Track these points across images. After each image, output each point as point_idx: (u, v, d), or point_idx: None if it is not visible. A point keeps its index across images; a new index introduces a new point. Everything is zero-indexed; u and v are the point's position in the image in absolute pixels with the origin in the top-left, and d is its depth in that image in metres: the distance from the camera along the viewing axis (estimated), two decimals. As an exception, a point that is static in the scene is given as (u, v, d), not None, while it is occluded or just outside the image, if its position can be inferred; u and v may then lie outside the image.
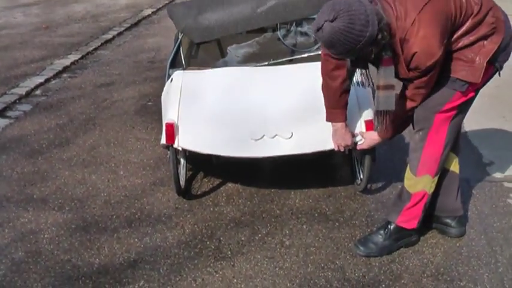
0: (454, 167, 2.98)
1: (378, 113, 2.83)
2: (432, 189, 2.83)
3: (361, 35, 2.31)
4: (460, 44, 2.57)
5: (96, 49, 6.46)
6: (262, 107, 3.15)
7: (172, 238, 3.00)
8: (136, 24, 7.67)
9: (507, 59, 2.71)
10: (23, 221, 3.18)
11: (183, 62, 3.66)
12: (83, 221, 3.17)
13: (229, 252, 2.88)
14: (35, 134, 4.28)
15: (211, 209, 3.27)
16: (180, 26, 3.68)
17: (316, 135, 3.08)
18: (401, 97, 2.67)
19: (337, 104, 2.91)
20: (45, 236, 3.04)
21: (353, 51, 2.39)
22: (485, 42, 2.57)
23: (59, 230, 3.09)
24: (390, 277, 2.70)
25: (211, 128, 3.11)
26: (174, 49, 3.79)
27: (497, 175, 3.59)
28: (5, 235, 3.05)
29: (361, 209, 3.26)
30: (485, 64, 2.56)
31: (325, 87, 2.89)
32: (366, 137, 3.03)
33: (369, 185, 3.36)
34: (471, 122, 4.33)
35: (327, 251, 2.89)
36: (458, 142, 2.97)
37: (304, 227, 3.08)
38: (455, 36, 2.55)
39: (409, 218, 2.86)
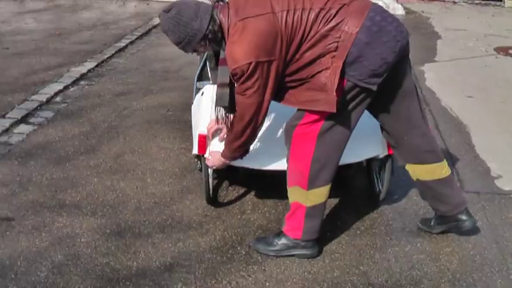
0: (438, 174, 3.11)
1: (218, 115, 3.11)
2: (312, 203, 2.95)
3: (188, 26, 2.72)
4: (306, 60, 2.68)
5: (110, 57, 6.62)
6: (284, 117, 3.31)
7: (205, 244, 3.18)
8: (147, 33, 7.84)
9: (371, 75, 2.69)
10: (58, 225, 3.34)
11: (209, 76, 3.85)
12: (117, 226, 3.34)
13: (259, 258, 3.06)
14: (59, 141, 4.44)
15: (239, 216, 3.45)
16: None
17: (350, 147, 3.24)
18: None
19: None
20: (82, 240, 3.20)
21: (186, 43, 2.78)
22: (332, 59, 2.64)
23: (95, 235, 3.25)
24: (411, 282, 2.90)
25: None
26: (201, 63, 3.98)
27: (506, 188, 3.79)
28: (42, 239, 3.21)
29: (380, 218, 3.46)
30: (334, 92, 2.63)
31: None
32: (211, 156, 3.16)
33: (386, 196, 3.55)
34: (479, 137, 4.58)
35: (350, 257, 3.09)
36: (432, 150, 3.08)
37: (328, 234, 3.26)
38: (299, 52, 2.68)
39: (291, 227, 3.02)
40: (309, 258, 3.05)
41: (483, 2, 11.09)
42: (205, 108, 3.41)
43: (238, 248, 3.15)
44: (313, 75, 2.71)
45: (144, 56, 6.83)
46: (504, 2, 10.92)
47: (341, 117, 2.80)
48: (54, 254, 3.08)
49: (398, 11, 9.89)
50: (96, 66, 6.26)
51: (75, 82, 5.75)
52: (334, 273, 2.95)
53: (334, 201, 3.59)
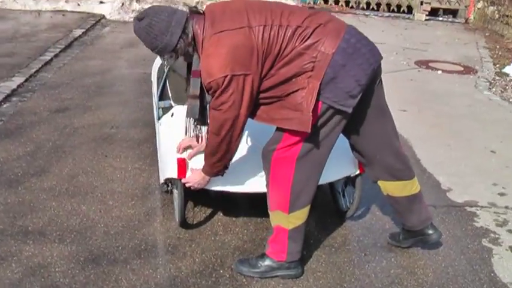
0: (408, 191, 3.22)
1: (195, 128, 3.09)
2: (294, 225, 2.96)
3: (158, 39, 2.74)
4: (281, 77, 2.69)
5: (37, 71, 6.33)
6: (260, 140, 3.32)
7: (186, 268, 3.12)
8: (69, 45, 7.55)
9: (346, 97, 2.73)
10: (27, 254, 3.16)
11: (170, 95, 3.79)
12: (90, 253, 3.20)
13: (245, 280, 3.04)
14: (5, 162, 4.19)
15: (212, 238, 3.41)
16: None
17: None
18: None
19: None
20: (57, 269, 3.04)
21: (157, 52, 2.82)
22: (308, 79, 2.66)
23: (69, 263, 3.10)
24: (394, 297, 3.00)
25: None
26: (162, 82, 3.90)
27: (459, 200, 4.01)
28: (13, 270, 3.02)
29: (350, 234, 3.55)
30: (310, 113, 2.66)
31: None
32: (192, 173, 3.12)
33: (344, 210, 3.66)
34: (421, 150, 4.80)
35: (332, 275, 3.14)
36: (404, 168, 3.16)
37: (305, 252, 3.29)
38: (275, 67, 2.69)
39: (275, 250, 3.03)
40: (293, 278, 3.07)
41: (393, 15, 11.65)
42: (179, 131, 3.35)
43: (221, 271, 3.11)
44: (288, 94, 2.72)
45: (72, 70, 6.58)
46: (414, 15, 11.54)
47: (319, 140, 2.82)
48: (30, 286, 2.90)
49: (315, 25, 10.15)
50: (25, 81, 5.96)
51: (6, 98, 5.44)
52: (321, 292, 3.00)
53: (304, 218, 3.63)
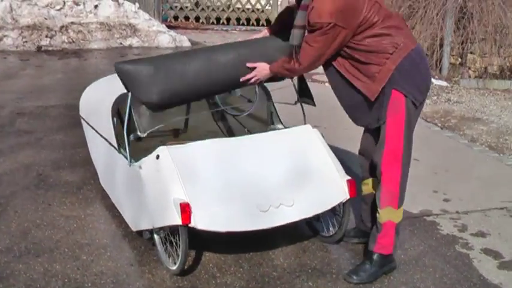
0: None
1: (292, 48, 3.21)
2: (399, 219, 3.33)
3: None
4: (365, 46, 3.07)
5: None
6: (261, 177, 3.26)
7: (207, 318, 2.95)
8: None
9: (419, 92, 3.16)
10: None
11: (137, 126, 3.56)
12: (93, 319, 2.90)
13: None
14: None
15: (213, 281, 3.25)
16: (142, 95, 3.38)
17: (314, 198, 3.31)
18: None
19: None
20: None
21: None
22: (386, 60, 3.06)
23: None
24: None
25: (222, 205, 3.11)
26: (127, 115, 3.62)
27: (414, 211, 4.20)
28: None
29: (341, 258, 3.58)
30: (379, 87, 3.09)
31: None
32: (259, 68, 3.35)
33: (326, 234, 3.70)
34: (355, 164, 4.96)
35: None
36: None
37: (310, 283, 3.28)
38: (363, 34, 3.07)
39: (384, 245, 3.31)
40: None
41: (250, 28, 11.97)
42: (170, 174, 3.14)
43: (243, 315, 2.99)
44: (365, 63, 3.10)
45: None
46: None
47: (410, 134, 3.21)
48: None
49: (184, 42, 10.12)
50: None
51: None
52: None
53: (289, 248, 3.62)
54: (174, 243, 3.28)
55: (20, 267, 3.27)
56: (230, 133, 4.87)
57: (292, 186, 3.30)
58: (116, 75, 4.80)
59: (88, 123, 4.31)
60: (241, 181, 3.20)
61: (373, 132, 3.40)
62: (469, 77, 9.00)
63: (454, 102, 7.72)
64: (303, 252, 3.60)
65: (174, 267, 3.23)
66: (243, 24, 12.07)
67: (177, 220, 3.02)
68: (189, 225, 3.03)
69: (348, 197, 3.43)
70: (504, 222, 4.17)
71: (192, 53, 3.65)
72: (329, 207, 3.38)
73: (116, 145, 3.70)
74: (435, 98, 7.82)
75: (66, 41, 9.40)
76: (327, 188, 3.37)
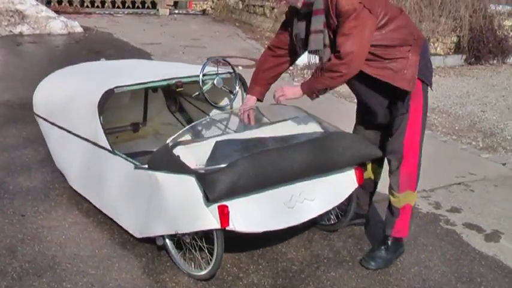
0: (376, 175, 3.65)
1: (309, 57, 3.22)
2: (414, 201, 3.47)
3: None
4: (388, 40, 3.07)
5: None
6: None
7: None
8: None
9: (430, 74, 3.30)
10: None
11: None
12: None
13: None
14: None
15: (240, 282, 3.15)
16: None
17: (330, 190, 3.30)
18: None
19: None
20: None
21: None
22: (408, 53, 3.10)
23: None
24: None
25: (254, 203, 2.98)
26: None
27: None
28: None
29: (347, 245, 3.62)
30: (415, 80, 3.13)
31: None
32: (283, 90, 3.28)
33: (327, 223, 3.73)
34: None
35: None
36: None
37: (333, 273, 3.29)
38: (385, 28, 3.07)
39: (401, 228, 3.43)
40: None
41: (139, 12, 11.53)
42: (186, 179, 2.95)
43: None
44: (392, 59, 3.08)
45: None
46: (158, 10, 11.59)
47: (426, 117, 3.30)
48: None
49: (76, 28, 9.53)
50: None
51: None
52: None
53: (295, 240, 3.60)
54: (195, 247, 3.13)
55: (28, 291, 2.94)
56: (190, 123, 4.71)
57: (312, 179, 3.26)
58: (73, 68, 4.47)
59: (53, 123, 3.93)
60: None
61: (376, 127, 3.46)
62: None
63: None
64: (309, 243, 3.60)
65: (203, 272, 3.09)
66: (128, 7, 11.58)
67: (215, 224, 2.87)
68: (227, 228, 2.89)
69: (357, 185, 3.47)
70: (468, 196, 4.46)
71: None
72: (344, 197, 3.39)
73: (108, 147, 3.42)
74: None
75: None
76: (340, 178, 3.37)
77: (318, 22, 3.08)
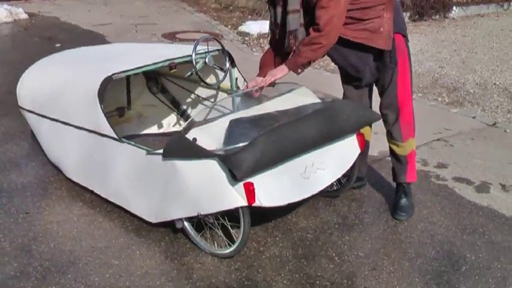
0: (368, 136, 3.80)
1: (289, 34, 3.31)
2: (415, 146, 3.69)
3: None
4: (362, 3, 3.21)
5: None
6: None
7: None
8: None
9: (405, 26, 3.52)
10: None
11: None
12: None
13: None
14: None
15: (263, 256, 3.22)
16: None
17: (338, 158, 3.38)
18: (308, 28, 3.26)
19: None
20: None
21: None
22: (383, 11, 3.25)
23: None
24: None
25: (274, 177, 3.03)
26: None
27: (376, 154, 4.51)
28: None
29: (351, 210, 3.75)
30: (390, 36, 3.28)
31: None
32: (271, 72, 3.45)
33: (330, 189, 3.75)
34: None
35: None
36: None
37: (347, 237, 3.41)
38: None
39: (412, 173, 3.70)
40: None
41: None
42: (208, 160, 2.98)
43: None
44: (368, 19, 3.22)
45: None
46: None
47: (411, 67, 3.51)
48: None
49: (21, 15, 9.16)
50: None
51: None
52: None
53: (301, 210, 3.69)
54: (217, 227, 3.17)
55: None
56: (175, 104, 4.70)
57: (321, 149, 3.33)
58: (55, 57, 4.35)
59: (43, 115, 3.83)
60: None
61: (363, 86, 3.59)
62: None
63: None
64: (317, 211, 3.70)
65: (228, 250, 3.14)
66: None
67: (241, 201, 2.90)
68: (253, 204, 2.93)
69: (360, 150, 3.57)
70: (450, 151, 4.67)
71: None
72: (351, 164, 3.48)
73: (114, 135, 3.38)
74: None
75: None
76: (345, 145, 3.45)
77: (294, 1, 3.21)
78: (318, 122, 3.21)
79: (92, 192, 3.71)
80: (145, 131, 4.68)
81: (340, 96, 3.77)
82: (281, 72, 3.38)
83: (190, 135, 3.05)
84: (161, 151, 3.13)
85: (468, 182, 4.15)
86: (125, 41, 7.55)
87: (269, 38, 3.61)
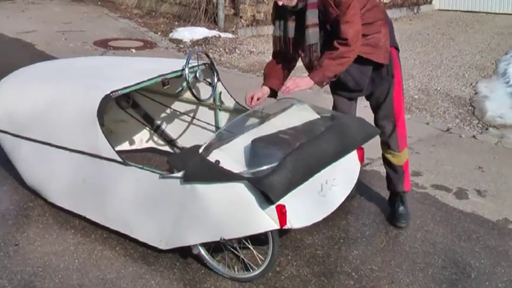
0: None
1: (309, 47, 3.30)
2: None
3: None
4: (366, 19, 3.29)
5: None
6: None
7: None
8: None
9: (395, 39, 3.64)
10: None
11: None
12: None
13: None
14: None
15: (282, 276, 3.17)
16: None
17: (346, 173, 3.39)
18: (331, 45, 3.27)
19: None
20: None
21: None
22: (381, 26, 3.39)
23: None
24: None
25: (298, 197, 2.97)
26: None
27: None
28: None
29: (351, 220, 3.78)
30: (388, 50, 3.40)
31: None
32: (295, 81, 3.35)
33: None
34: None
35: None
36: None
37: (356, 252, 3.43)
38: (364, 9, 3.30)
39: (408, 182, 3.83)
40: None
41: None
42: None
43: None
44: (371, 34, 3.31)
45: None
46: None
47: (402, 80, 3.64)
48: None
49: None
50: None
51: None
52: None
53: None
54: (238, 249, 3.08)
55: None
56: (147, 119, 4.54)
57: (331, 166, 3.31)
58: (29, 71, 4.04)
59: (23, 137, 3.54)
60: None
61: (353, 99, 3.66)
62: (243, 26, 9.49)
63: (258, 53, 8.14)
64: (317, 226, 3.65)
65: (253, 273, 3.07)
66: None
67: (273, 225, 2.83)
68: (284, 227, 2.87)
69: (360, 164, 3.60)
70: (418, 159, 4.81)
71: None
72: (356, 178, 3.50)
73: (118, 158, 3.19)
74: (238, 51, 8.13)
75: None
76: (349, 160, 3.45)
77: (313, 15, 3.22)
78: (333, 139, 3.21)
79: (80, 217, 3.48)
80: (117, 148, 4.44)
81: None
82: (306, 84, 3.32)
83: (212, 158, 2.94)
84: (178, 175, 2.99)
85: (446, 189, 4.30)
86: (57, 49, 7.19)
87: (272, 51, 3.55)
